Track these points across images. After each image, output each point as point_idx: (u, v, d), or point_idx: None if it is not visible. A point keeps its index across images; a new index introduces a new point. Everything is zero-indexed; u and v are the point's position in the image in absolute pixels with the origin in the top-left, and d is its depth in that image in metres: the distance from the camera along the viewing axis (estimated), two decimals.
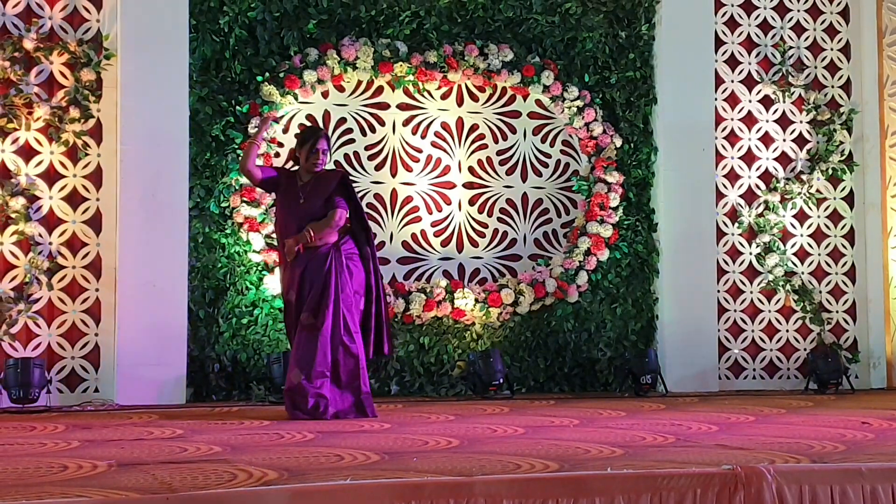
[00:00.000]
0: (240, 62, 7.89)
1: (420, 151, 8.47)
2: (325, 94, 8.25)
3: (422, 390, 8.08)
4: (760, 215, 8.98)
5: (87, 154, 7.58)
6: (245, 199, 7.79)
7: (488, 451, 4.77)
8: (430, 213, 8.46)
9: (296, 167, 6.60)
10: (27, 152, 7.49)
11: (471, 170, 8.60)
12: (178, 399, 7.44)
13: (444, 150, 8.51)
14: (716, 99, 8.93)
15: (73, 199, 7.57)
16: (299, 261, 6.33)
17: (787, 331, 9.02)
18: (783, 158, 9.12)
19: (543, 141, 8.75)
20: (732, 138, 9.03)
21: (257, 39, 7.96)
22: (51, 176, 7.54)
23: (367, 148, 8.36)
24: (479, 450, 4.86)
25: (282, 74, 7.96)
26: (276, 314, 7.84)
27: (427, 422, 6.18)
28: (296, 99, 8.06)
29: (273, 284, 7.78)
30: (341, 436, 5.48)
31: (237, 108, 7.88)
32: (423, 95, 8.48)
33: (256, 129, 7.09)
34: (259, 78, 7.92)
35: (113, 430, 5.80)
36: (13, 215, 7.39)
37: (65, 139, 7.51)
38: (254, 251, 7.80)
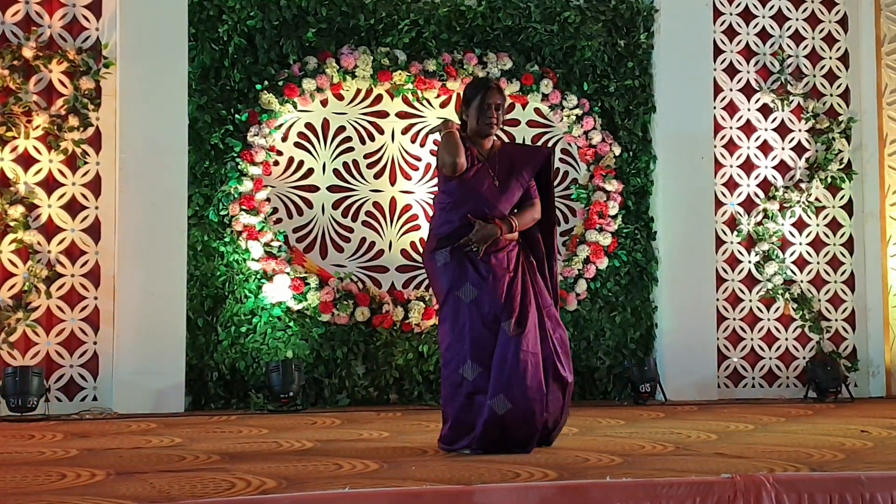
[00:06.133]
0: (239, 70, 7.90)
1: (419, 160, 8.47)
2: (324, 103, 8.25)
3: (421, 399, 8.07)
4: (759, 224, 8.98)
5: (86, 162, 7.58)
6: (244, 207, 7.79)
7: (487, 460, 4.77)
8: (429, 221, 8.43)
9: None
10: (26, 160, 7.49)
11: None
12: (176, 407, 7.43)
13: None
14: (714, 107, 8.94)
15: (72, 207, 7.57)
16: (485, 256, 5.13)
17: (787, 339, 9.01)
18: (782, 167, 9.12)
19: None
20: (731, 147, 9.03)
21: (256, 48, 7.96)
22: (50, 184, 7.54)
23: (366, 156, 8.36)
24: (477, 459, 4.84)
25: (281, 83, 7.97)
26: (274, 322, 7.84)
27: (426, 430, 6.17)
28: (295, 107, 8.06)
29: (272, 292, 7.79)
30: (340, 444, 5.47)
31: (236, 116, 7.88)
32: (422, 104, 8.48)
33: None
34: (258, 86, 7.92)
35: (111, 439, 5.80)
36: (12, 223, 7.38)
37: (64, 147, 7.52)
38: (253, 259, 7.80)
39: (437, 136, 5.45)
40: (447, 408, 5.13)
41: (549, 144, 8.72)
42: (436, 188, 8.35)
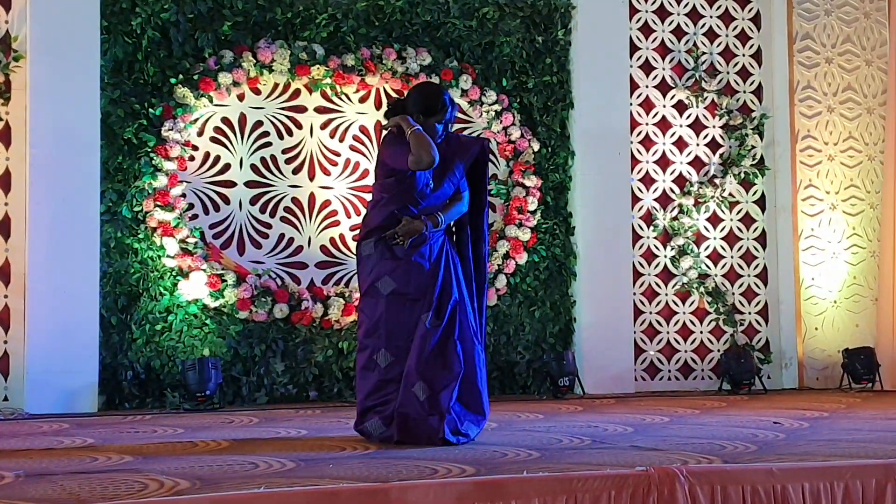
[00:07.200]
0: (153, 64, 7.77)
1: (338, 155, 8.42)
2: (240, 97, 8.15)
3: (340, 395, 8.03)
4: (675, 218, 9.09)
5: None
6: (159, 203, 7.67)
7: (404, 457, 4.76)
8: (349, 216, 8.41)
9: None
10: None
11: None
12: (89, 407, 7.29)
13: (363, 154, 8.47)
14: (631, 104, 9.03)
15: None
16: (409, 248, 5.31)
17: (702, 332, 9.14)
18: (697, 163, 9.25)
19: None
20: (647, 143, 9.13)
21: (171, 41, 7.84)
22: None
23: (284, 151, 8.28)
24: (395, 455, 4.84)
25: (196, 77, 7.86)
26: (190, 320, 7.74)
27: (345, 428, 6.12)
28: (211, 101, 7.96)
29: (188, 290, 7.69)
30: (256, 443, 5.42)
31: (150, 110, 7.75)
32: (340, 98, 8.43)
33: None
34: (173, 80, 7.80)
35: (22, 440, 5.67)
36: None
37: None
38: (168, 256, 7.68)
39: (387, 129, 5.53)
40: (359, 390, 5.39)
41: None
42: (355, 184, 8.41)
